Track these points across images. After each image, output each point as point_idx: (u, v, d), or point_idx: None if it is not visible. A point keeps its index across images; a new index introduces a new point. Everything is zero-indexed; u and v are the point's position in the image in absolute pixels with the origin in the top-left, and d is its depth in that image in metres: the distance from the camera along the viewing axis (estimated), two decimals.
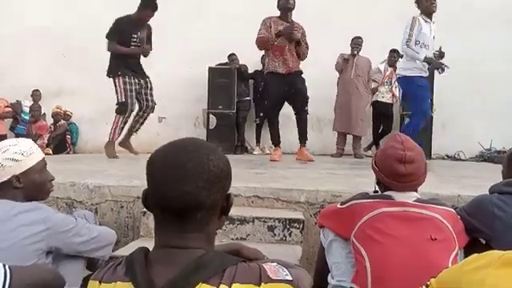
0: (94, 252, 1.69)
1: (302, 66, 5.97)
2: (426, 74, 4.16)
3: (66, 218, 1.64)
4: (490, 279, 0.74)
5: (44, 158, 1.65)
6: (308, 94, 4.43)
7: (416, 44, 4.00)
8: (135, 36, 4.32)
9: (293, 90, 4.37)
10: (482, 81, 6.30)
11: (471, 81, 6.27)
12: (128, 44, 4.34)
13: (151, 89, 4.51)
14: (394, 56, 5.92)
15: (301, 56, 4.41)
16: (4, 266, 1.15)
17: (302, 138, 4.61)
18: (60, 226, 1.55)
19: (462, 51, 6.14)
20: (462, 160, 6.10)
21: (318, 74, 5.96)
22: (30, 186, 1.57)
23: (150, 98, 4.50)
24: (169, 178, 0.83)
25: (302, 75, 4.47)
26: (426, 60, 4.04)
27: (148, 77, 4.50)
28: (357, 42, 5.79)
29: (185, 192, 0.82)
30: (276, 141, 4.62)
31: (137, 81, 4.39)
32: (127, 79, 4.33)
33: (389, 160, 1.50)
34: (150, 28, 4.46)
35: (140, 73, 4.45)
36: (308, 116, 4.55)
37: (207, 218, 0.86)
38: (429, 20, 4.09)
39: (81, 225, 1.64)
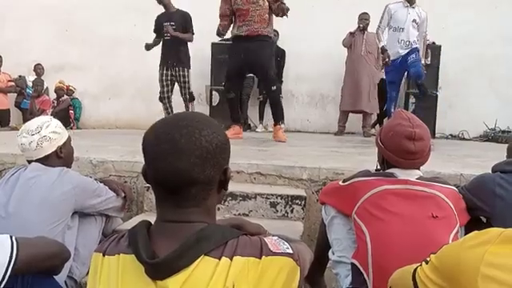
0: (112, 212, 1.90)
1: (306, 42, 5.88)
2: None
3: (90, 180, 1.85)
4: (488, 256, 0.75)
5: None
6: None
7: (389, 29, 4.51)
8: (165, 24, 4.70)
9: (255, 64, 3.97)
10: (488, 60, 6.21)
11: (478, 60, 6.18)
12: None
13: None
14: None
15: (284, 12, 3.82)
16: (11, 237, 1.17)
17: (275, 116, 4.28)
18: (85, 186, 1.75)
19: (471, 31, 6.03)
20: (466, 139, 6.07)
21: (322, 50, 5.88)
22: (67, 156, 1.82)
23: None
24: (161, 155, 0.83)
25: (267, 41, 3.98)
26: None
27: None
28: (363, 17, 5.67)
29: (177, 169, 0.82)
30: (234, 117, 4.30)
31: None
32: None
33: (398, 137, 1.49)
34: (184, 15, 4.72)
35: None
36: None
37: (204, 193, 0.86)
38: (408, 4, 4.45)
39: (102, 187, 1.84)
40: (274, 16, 3.97)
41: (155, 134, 0.86)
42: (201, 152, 0.83)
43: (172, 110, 4.93)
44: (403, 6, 4.46)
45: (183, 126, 0.84)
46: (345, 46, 5.79)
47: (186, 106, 4.91)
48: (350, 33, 5.70)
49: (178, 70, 4.78)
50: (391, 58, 4.43)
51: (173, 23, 4.66)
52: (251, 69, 4.15)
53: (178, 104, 4.90)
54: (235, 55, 4.06)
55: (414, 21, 4.44)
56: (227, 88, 4.24)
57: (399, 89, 4.82)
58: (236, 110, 4.36)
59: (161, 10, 4.76)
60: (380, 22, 4.59)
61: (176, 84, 4.89)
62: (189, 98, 4.88)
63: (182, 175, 0.82)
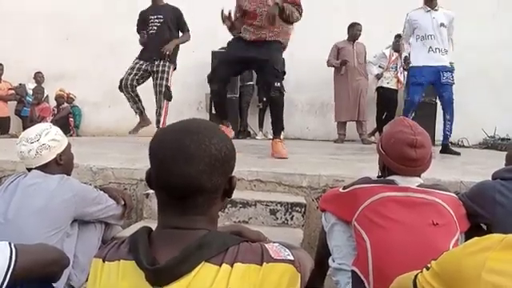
0: (111, 219, 1.90)
1: (305, 49, 5.89)
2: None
3: (90, 188, 1.85)
4: (490, 262, 0.74)
5: None
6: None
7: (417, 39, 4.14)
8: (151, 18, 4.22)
9: (258, 58, 3.33)
10: (487, 68, 6.24)
11: (477, 68, 6.21)
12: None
13: None
14: (399, 41, 5.84)
15: (289, 19, 3.32)
16: (10, 244, 1.16)
17: (275, 126, 3.54)
18: (85, 194, 1.75)
19: (472, 39, 6.06)
20: (466, 147, 6.07)
21: (322, 58, 5.91)
22: (67, 163, 1.81)
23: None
24: (170, 161, 0.82)
25: (278, 46, 3.42)
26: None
27: None
28: (358, 29, 5.75)
29: (186, 175, 0.82)
30: (221, 115, 3.73)
31: None
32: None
33: (399, 144, 1.49)
34: (175, 11, 4.25)
35: None
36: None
37: (209, 200, 0.86)
38: (429, 8, 4.11)
39: (101, 195, 1.84)
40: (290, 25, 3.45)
41: (164, 139, 0.86)
42: (210, 160, 0.83)
43: (140, 99, 4.22)
44: (424, 12, 4.07)
45: (193, 133, 0.84)
46: (330, 66, 5.84)
47: (159, 105, 4.11)
48: (343, 60, 5.74)
49: (158, 65, 4.11)
50: (424, 64, 4.00)
51: (161, 16, 4.17)
52: (253, 61, 3.41)
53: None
54: (234, 46, 3.50)
55: (443, 24, 4.02)
56: (210, 77, 3.54)
57: (422, 95, 4.28)
58: (222, 106, 3.73)
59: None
60: (403, 32, 4.29)
61: (151, 83, 4.15)
62: (164, 92, 4.09)
63: (191, 182, 0.82)
